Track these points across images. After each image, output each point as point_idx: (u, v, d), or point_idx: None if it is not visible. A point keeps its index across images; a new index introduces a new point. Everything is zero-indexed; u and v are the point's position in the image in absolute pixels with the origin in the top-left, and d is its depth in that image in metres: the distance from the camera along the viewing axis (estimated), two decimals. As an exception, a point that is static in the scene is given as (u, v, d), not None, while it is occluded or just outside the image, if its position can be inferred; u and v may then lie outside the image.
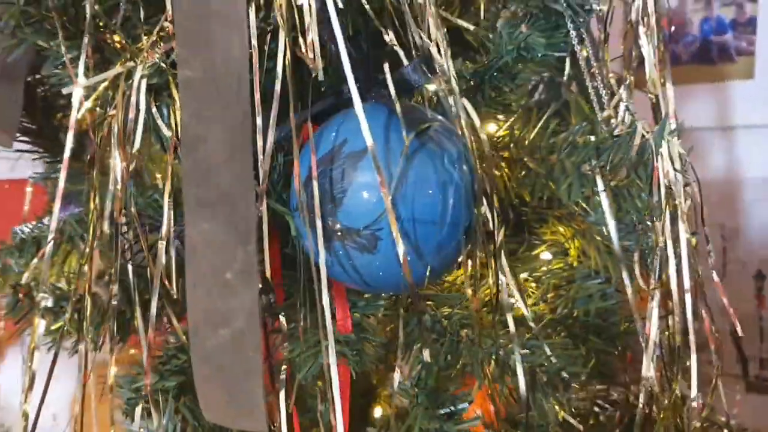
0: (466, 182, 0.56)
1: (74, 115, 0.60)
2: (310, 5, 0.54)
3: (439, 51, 0.58)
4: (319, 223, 0.54)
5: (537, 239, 0.80)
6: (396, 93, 0.55)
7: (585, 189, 0.68)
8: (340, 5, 0.54)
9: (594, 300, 0.73)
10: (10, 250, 0.76)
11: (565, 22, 0.71)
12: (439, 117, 0.57)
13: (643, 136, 0.65)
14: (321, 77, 0.54)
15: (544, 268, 0.78)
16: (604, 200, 0.66)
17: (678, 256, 0.66)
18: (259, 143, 0.57)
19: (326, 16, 0.55)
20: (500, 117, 0.80)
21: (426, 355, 0.61)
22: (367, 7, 0.57)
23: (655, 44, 0.73)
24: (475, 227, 0.57)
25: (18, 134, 0.76)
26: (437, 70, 0.56)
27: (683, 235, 0.65)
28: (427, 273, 0.55)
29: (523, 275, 0.77)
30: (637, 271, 0.68)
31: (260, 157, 0.56)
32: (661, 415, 0.68)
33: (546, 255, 0.79)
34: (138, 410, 0.66)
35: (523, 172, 0.75)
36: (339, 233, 0.55)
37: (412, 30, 0.58)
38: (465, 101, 0.58)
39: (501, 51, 0.66)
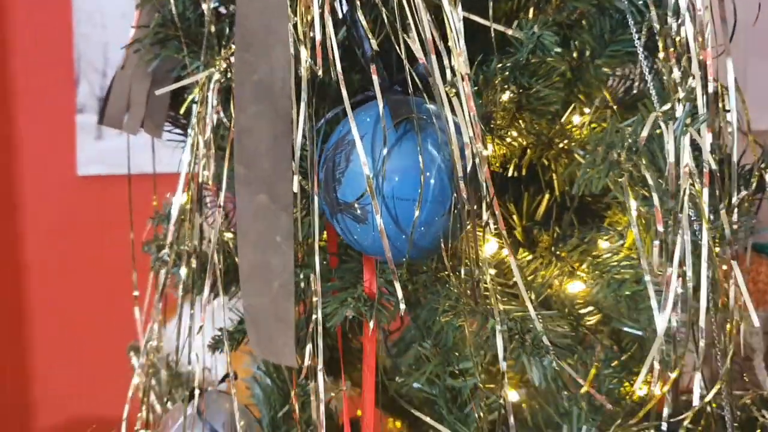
0: (449, 166, 0.65)
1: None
2: (324, 26, 0.66)
3: (449, 53, 0.67)
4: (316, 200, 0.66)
5: (601, 227, 0.85)
6: (413, 88, 0.66)
7: (614, 176, 0.72)
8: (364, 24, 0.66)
9: (626, 284, 0.76)
10: (161, 218, 0.96)
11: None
12: (431, 108, 0.66)
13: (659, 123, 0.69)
14: (321, 75, 0.66)
15: (605, 256, 0.82)
16: (625, 186, 0.71)
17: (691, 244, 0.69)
18: (297, 134, 0.70)
19: (356, 26, 0.67)
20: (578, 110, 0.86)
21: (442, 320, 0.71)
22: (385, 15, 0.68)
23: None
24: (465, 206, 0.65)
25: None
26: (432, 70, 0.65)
27: (685, 222, 0.68)
28: (408, 244, 0.65)
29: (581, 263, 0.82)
30: (655, 257, 0.71)
31: (296, 144, 0.70)
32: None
33: (605, 243, 0.84)
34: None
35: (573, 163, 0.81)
36: (340, 206, 0.67)
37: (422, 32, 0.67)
38: (467, 88, 0.66)
39: (521, 50, 0.73)
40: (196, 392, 0.84)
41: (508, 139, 0.85)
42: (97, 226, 2.02)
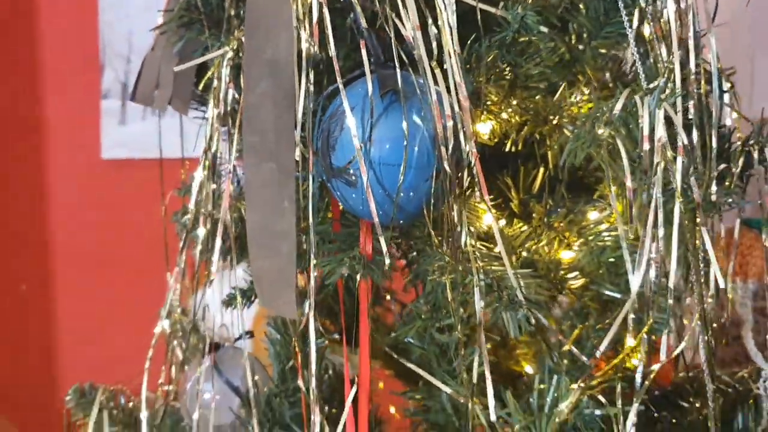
0: (433, 135, 0.71)
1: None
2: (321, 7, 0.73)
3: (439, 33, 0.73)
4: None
5: (590, 200, 0.90)
6: (400, 64, 0.72)
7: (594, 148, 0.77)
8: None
9: (608, 251, 0.81)
10: (186, 189, 1.04)
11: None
12: (418, 81, 0.72)
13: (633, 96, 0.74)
14: (319, 53, 0.72)
15: (591, 225, 0.87)
16: (604, 156, 0.76)
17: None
18: (299, 107, 0.77)
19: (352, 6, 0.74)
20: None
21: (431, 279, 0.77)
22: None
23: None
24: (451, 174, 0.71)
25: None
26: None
27: (657, 191, 0.72)
28: (394, 207, 0.71)
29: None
30: (632, 224, 0.76)
31: (298, 116, 0.76)
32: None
33: (593, 214, 0.89)
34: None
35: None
36: (334, 171, 0.73)
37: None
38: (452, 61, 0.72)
39: (507, 29, 0.78)
40: (205, 348, 0.92)
41: (504, 115, 0.90)
42: (120, 208, 2.10)
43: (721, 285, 0.73)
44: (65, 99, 2.09)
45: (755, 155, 0.89)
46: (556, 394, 0.71)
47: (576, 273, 0.84)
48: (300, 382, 0.80)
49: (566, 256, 0.89)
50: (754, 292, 0.93)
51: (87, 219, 2.12)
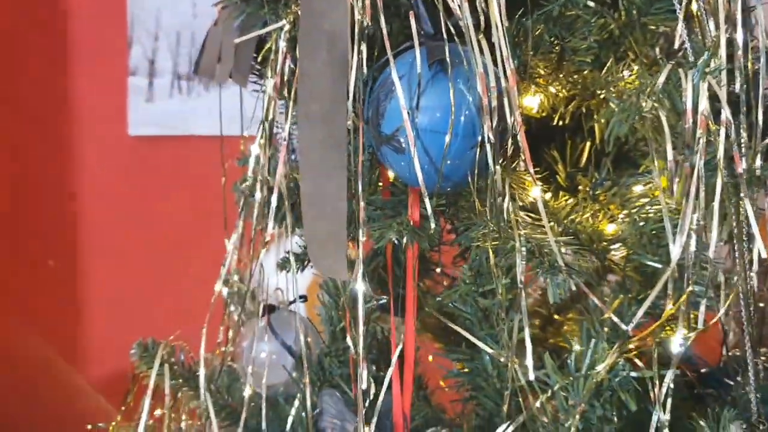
0: (479, 105, 0.74)
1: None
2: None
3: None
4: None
5: (635, 173, 0.91)
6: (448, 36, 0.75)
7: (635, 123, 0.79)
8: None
9: (650, 222, 0.83)
10: (246, 159, 1.09)
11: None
12: (465, 52, 0.75)
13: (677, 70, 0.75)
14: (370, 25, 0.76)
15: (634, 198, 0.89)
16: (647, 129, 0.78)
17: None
18: (351, 77, 0.80)
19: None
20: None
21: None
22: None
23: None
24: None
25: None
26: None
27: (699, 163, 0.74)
28: (439, 174, 0.74)
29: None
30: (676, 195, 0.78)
31: (350, 86, 0.80)
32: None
33: (638, 187, 0.90)
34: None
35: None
36: (382, 139, 0.77)
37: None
38: (501, 40, 0.75)
39: (553, 2, 0.80)
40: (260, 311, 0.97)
41: (552, 89, 0.93)
42: (147, 184, 2.15)
43: (764, 254, 0.74)
44: (93, 76, 2.12)
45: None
46: (594, 357, 0.73)
47: (619, 245, 0.86)
48: (349, 341, 0.84)
49: (610, 228, 0.91)
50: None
51: (115, 194, 2.16)
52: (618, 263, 0.87)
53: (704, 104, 0.76)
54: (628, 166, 0.94)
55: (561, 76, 0.90)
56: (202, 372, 0.95)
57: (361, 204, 0.78)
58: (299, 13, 0.84)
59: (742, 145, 0.83)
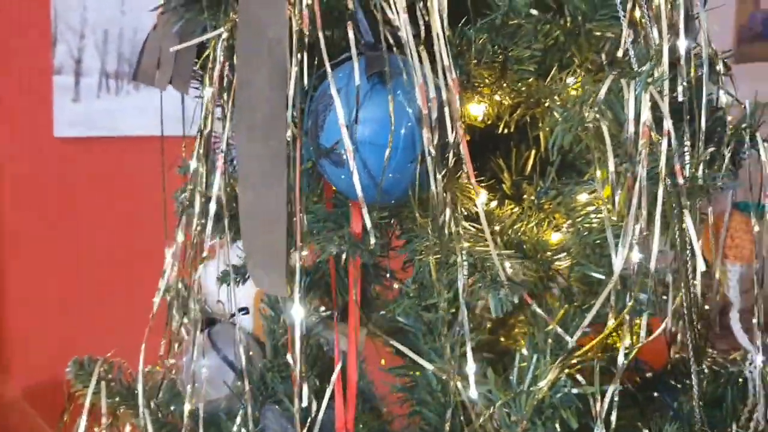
0: (419, 115, 0.72)
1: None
2: None
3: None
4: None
5: (580, 182, 0.91)
6: (388, 47, 0.73)
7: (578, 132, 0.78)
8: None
9: (594, 233, 0.82)
10: (186, 168, 1.06)
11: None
12: (405, 62, 0.73)
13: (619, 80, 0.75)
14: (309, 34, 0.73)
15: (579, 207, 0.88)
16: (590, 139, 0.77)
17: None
18: (290, 87, 0.78)
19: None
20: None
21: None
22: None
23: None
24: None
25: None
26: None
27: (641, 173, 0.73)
28: (379, 188, 0.72)
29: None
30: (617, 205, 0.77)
31: (289, 96, 0.78)
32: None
33: (583, 196, 0.90)
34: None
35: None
36: (321, 152, 0.75)
37: None
38: (442, 50, 0.73)
39: (496, 12, 0.79)
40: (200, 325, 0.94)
41: (497, 98, 0.91)
42: (73, 186, 2.07)
43: (701, 268, 0.73)
44: (15, 75, 2.02)
45: (747, 138, 0.90)
46: (535, 372, 0.72)
47: (563, 254, 0.85)
48: (289, 357, 0.82)
49: (555, 237, 0.91)
50: (742, 275, 0.94)
51: (40, 197, 2.07)
52: (562, 273, 0.86)
53: (646, 114, 0.75)
54: (573, 175, 0.94)
55: (505, 84, 0.89)
56: (140, 389, 0.92)
57: (299, 216, 0.76)
58: (237, 21, 0.81)
59: (686, 154, 0.83)
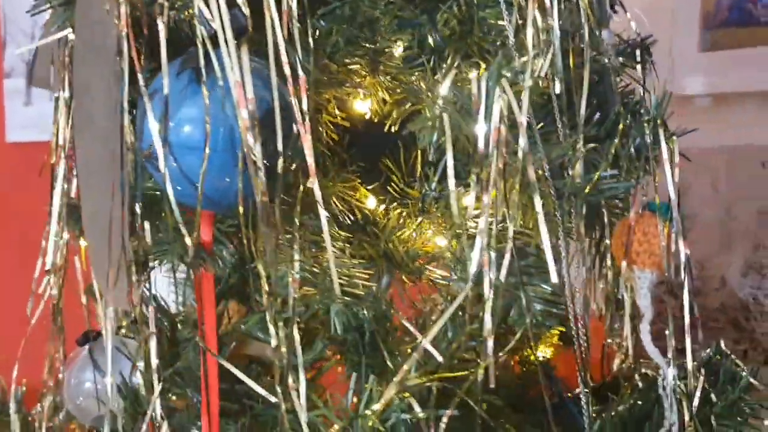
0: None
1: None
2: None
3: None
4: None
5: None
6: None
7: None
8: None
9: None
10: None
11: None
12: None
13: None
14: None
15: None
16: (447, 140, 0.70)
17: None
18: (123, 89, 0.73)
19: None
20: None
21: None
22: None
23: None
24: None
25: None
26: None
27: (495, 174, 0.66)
28: (199, 194, 0.67)
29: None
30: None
31: (123, 99, 0.73)
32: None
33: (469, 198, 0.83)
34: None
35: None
36: (143, 155, 0.69)
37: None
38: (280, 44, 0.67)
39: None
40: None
41: (380, 94, 0.85)
42: (25, 191, 1.98)
43: (553, 279, 0.66)
44: None
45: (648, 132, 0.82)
46: (369, 396, 0.66)
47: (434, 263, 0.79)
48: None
49: (441, 242, 0.84)
50: (653, 282, 0.85)
51: None
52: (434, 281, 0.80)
53: (497, 110, 0.68)
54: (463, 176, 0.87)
55: (384, 79, 0.83)
56: (12, 404, 0.89)
57: (124, 221, 0.71)
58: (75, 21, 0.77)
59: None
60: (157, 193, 0.77)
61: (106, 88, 0.74)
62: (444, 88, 0.68)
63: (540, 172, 0.72)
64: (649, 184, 0.84)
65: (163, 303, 0.91)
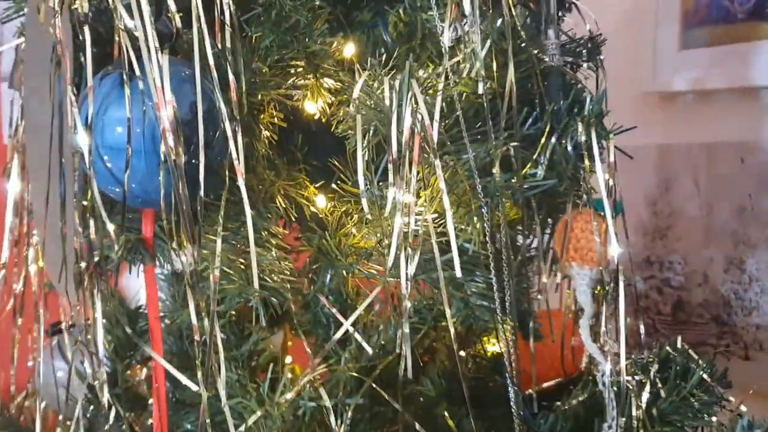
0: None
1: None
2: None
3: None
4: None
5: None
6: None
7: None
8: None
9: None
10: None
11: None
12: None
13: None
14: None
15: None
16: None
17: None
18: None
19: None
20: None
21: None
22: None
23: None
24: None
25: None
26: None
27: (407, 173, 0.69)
28: (124, 193, 0.70)
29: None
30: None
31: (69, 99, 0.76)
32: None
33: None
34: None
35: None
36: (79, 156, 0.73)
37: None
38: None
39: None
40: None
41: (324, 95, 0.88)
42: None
43: (459, 274, 0.68)
44: None
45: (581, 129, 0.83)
46: (284, 384, 0.69)
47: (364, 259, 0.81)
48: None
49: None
50: (592, 278, 0.86)
51: None
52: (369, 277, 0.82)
53: (408, 111, 0.70)
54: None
55: (324, 81, 0.86)
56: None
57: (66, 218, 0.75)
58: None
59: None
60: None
61: (49, 92, 0.78)
62: (356, 91, 0.70)
63: (460, 171, 0.74)
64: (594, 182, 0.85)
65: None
